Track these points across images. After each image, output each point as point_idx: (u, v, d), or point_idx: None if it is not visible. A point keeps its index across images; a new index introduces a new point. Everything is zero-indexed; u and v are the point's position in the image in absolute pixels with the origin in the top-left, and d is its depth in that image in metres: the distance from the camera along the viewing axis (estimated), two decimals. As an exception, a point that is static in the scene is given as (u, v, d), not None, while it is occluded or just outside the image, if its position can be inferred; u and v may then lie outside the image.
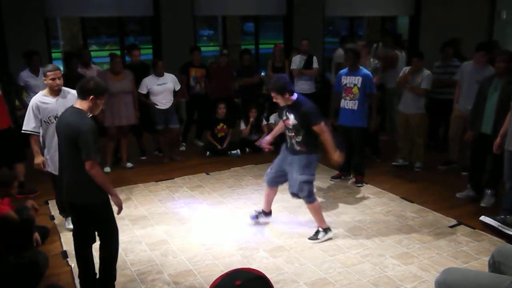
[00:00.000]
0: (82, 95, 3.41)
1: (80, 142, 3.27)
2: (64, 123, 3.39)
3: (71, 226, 4.69)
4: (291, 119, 4.39)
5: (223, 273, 1.60)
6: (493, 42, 8.58)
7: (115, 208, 3.58)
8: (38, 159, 4.53)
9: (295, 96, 4.41)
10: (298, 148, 4.46)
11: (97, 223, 3.56)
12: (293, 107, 4.38)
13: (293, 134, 4.45)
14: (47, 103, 4.45)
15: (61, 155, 3.53)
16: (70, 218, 4.79)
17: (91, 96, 3.38)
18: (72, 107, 3.47)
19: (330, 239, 4.53)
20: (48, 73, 4.42)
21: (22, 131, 4.50)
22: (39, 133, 4.50)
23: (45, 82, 4.48)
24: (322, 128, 4.35)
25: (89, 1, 8.42)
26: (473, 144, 5.46)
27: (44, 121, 4.48)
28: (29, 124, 4.46)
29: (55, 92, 4.47)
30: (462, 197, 5.59)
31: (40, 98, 4.48)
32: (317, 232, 4.56)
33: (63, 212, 4.89)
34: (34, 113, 4.43)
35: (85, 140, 3.26)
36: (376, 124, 5.94)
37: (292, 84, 4.52)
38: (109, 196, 3.50)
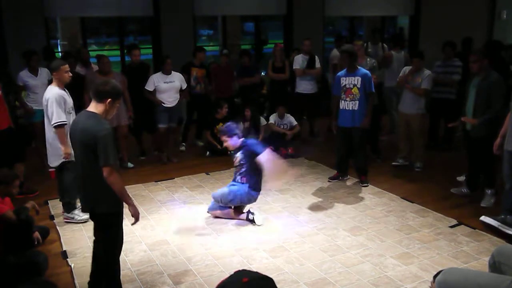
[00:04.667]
0: (98, 98, 3.26)
1: (97, 148, 3.13)
2: (79, 129, 3.24)
3: (82, 217, 4.89)
4: (240, 157, 5.00)
5: (222, 273, 1.62)
6: None
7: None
8: (68, 149, 4.60)
9: (241, 139, 5.03)
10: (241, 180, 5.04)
11: (104, 233, 3.44)
12: (244, 151, 4.98)
13: (238, 168, 5.06)
14: (66, 95, 4.74)
15: (77, 162, 3.38)
16: (76, 212, 4.95)
17: (109, 99, 3.26)
18: (86, 111, 3.34)
19: None
20: (63, 67, 4.71)
21: (59, 123, 4.66)
22: (67, 123, 4.69)
23: (59, 76, 4.72)
24: (265, 157, 4.82)
25: (89, 1, 8.42)
26: (469, 142, 5.54)
27: (67, 112, 4.75)
28: (61, 116, 4.67)
29: (64, 85, 4.78)
30: (456, 192, 5.66)
31: (59, 91, 4.71)
32: None
33: (66, 205, 4.98)
34: (60, 105, 4.67)
35: (103, 146, 3.12)
36: (369, 122, 5.90)
37: (239, 130, 5.09)
38: (126, 206, 3.34)
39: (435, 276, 2.92)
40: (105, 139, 3.14)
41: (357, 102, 5.78)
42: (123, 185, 3.32)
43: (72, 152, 4.47)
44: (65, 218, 4.99)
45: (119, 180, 3.25)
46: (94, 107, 3.30)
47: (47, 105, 4.72)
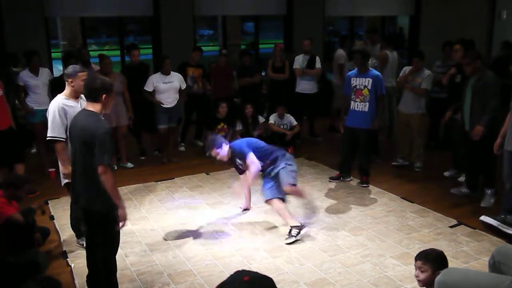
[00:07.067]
0: (93, 97, 3.32)
1: (95, 146, 3.17)
2: (79, 128, 3.30)
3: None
4: (238, 162, 4.89)
5: (222, 273, 1.64)
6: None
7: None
8: (67, 169, 3.93)
9: (227, 146, 4.84)
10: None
11: (97, 232, 3.43)
12: (234, 156, 4.87)
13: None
14: (73, 107, 4.08)
15: (75, 160, 3.41)
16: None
17: (104, 95, 3.33)
18: (84, 110, 3.38)
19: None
20: (80, 74, 4.10)
21: (49, 138, 4.07)
22: (66, 139, 4.03)
23: (74, 83, 4.10)
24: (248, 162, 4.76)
25: (89, 1, 8.42)
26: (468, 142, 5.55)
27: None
28: (55, 130, 4.03)
29: (78, 94, 4.16)
30: (456, 193, 5.66)
31: (64, 102, 4.10)
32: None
33: (77, 231, 4.49)
34: (60, 118, 4.03)
35: (100, 144, 3.17)
36: (379, 124, 5.92)
37: (222, 141, 4.89)
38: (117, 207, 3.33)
39: (416, 257, 2.95)
40: (103, 137, 3.20)
41: (367, 103, 5.77)
42: (116, 186, 3.31)
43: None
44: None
45: (112, 180, 3.26)
46: (91, 106, 3.35)
47: None
